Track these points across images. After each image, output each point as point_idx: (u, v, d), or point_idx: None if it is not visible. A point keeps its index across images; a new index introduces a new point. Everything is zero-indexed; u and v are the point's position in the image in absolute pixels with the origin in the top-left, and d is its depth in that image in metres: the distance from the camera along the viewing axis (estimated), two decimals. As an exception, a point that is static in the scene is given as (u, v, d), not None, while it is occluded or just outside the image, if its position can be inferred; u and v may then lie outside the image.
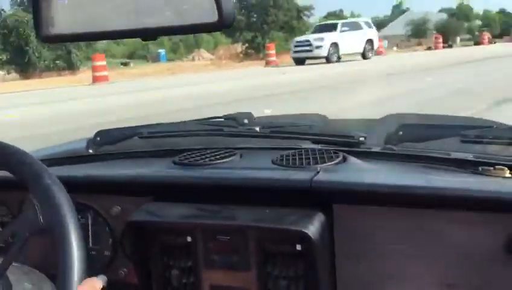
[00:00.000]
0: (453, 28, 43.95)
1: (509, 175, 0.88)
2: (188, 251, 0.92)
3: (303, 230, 0.82)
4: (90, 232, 1.05)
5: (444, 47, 31.39)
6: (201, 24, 0.61)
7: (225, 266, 0.90)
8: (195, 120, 1.38)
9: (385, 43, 35.04)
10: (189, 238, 0.91)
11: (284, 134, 1.20)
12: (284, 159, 1.01)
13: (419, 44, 39.46)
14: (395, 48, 35.28)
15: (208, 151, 1.10)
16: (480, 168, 0.91)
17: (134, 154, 1.22)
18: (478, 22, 58.44)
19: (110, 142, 1.29)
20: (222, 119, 1.34)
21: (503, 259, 0.79)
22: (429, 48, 30.62)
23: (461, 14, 57.49)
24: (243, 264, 0.89)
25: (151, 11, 0.62)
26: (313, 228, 0.83)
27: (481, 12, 67.40)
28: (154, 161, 1.15)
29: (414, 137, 1.15)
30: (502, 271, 0.80)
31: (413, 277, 0.85)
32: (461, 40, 42.04)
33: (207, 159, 1.05)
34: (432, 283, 0.84)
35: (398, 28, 52.56)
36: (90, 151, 1.27)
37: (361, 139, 1.10)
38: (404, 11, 66.93)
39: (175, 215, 0.93)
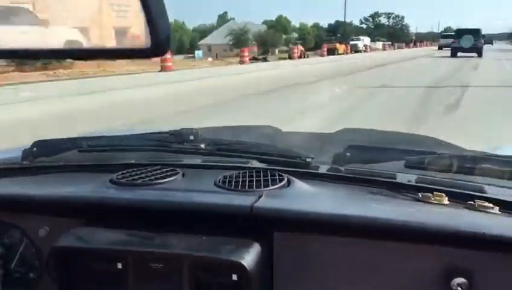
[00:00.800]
0: (272, 40, 44.79)
1: (447, 202, 0.94)
2: (118, 279, 0.88)
3: (238, 261, 0.81)
4: (15, 254, 0.99)
5: (257, 59, 30.32)
6: (131, 49, 0.60)
7: None
8: (139, 134, 1.35)
9: (199, 53, 33.22)
10: (119, 265, 0.88)
11: (230, 152, 1.19)
12: (227, 181, 1.00)
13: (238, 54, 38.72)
14: (210, 59, 33.60)
15: (149, 169, 1.08)
16: (420, 194, 0.95)
17: (71, 169, 1.19)
18: (295, 35, 61.43)
19: (47, 154, 1.25)
20: (167, 135, 1.29)
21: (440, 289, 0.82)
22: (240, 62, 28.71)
23: (280, 26, 59.82)
24: None
25: (80, 31, 0.60)
26: (248, 258, 0.82)
27: (298, 25, 71.49)
28: (90, 177, 1.11)
29: (361, 158, 1.15)
30: None
31: None
32: (279, 51, 42.88)
33: (147, 179, 1.03)
34: None
35: (221, 37, 52.20)
36: (25, 162, 1.23)
37: (308, 160, 1.12)
38: (228, 21, 67.52)
39: (105, 241, 0.89)
